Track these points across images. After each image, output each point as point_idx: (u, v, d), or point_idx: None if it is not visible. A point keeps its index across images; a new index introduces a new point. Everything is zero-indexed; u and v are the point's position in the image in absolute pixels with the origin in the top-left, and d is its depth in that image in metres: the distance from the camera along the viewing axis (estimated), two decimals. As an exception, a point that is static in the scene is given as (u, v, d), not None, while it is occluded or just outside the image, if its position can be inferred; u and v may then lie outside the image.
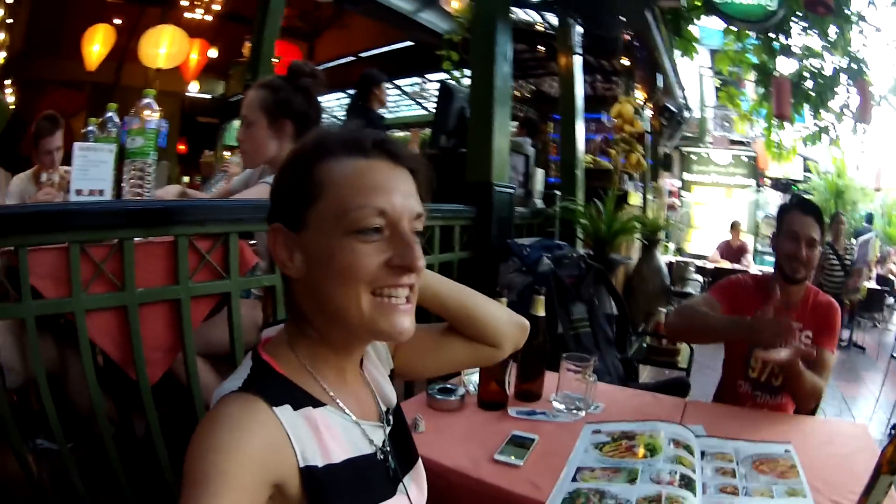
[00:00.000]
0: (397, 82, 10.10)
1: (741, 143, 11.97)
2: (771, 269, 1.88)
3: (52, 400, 1.19)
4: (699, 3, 4.82)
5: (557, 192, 4.19)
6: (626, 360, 3.31)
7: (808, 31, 4.95)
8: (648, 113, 6.85)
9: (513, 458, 1.14)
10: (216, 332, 1.54)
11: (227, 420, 0.57)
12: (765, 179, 13.13)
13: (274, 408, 0.60)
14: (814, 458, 1.27)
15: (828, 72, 5.14)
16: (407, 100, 10.69)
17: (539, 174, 4.42)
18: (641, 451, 1.15)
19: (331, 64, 8.71)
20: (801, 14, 4.67)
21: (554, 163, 6.48)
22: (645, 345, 4.23)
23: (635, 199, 6.14)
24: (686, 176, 12.23)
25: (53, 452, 1.23)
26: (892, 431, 0.96)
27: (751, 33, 5.05)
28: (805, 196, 13.95)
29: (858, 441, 1.43)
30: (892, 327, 7.40)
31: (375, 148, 0.68)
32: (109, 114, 1.44)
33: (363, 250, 0.63)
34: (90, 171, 1.27)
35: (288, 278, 0.69)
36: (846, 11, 4.69)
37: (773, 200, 15.01)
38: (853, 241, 6.68)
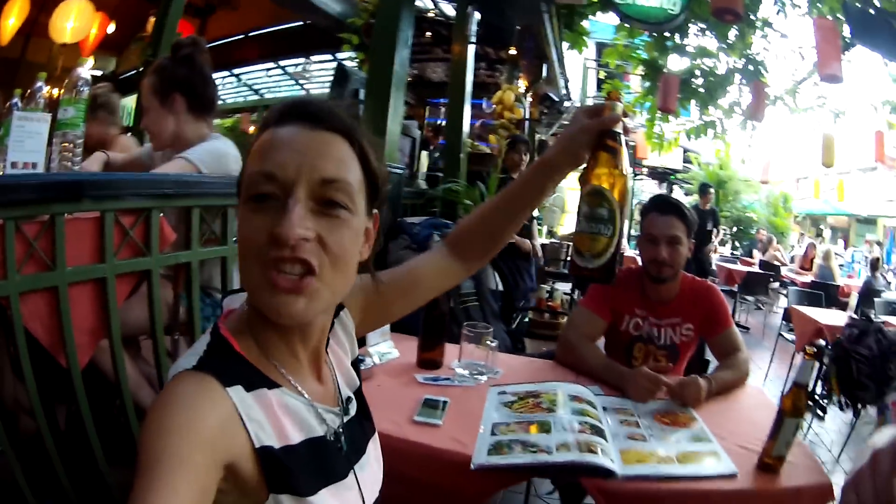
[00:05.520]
0: (282, 63, 10.12)
1: (618, 132, 12.57)
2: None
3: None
4: (596, 0, 4.73)
5: (440, 174, 4.34)
6: (513, 332, 3.61)
7: (706, 32, 5.02)
8: (529, 101, 7.06)
9: (431, 418, 1.22)
10: (131, 314, 1.51)
11: (179, 400, 0.55)
12: (642, 168, 13.99)
13: (227, 388, 0.58)
14: (713, 413, 1.36)
15: (721, 71, 5.26)
16: (288, 79, 10.60)
17: (424, 156, 4.53)
18: (548, 406, 1.29)
19: (220, 42, 8.27)
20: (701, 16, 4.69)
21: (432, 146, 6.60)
22: (527, 319, 4.61)
23: (512, 183, 6.46)
24: (561, 162, 12.83)
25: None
26: (793, 385, 1.13)
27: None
28: (684, 184, 15.02)
29: (755, 399, 1.54)
30: (777, 310, 7.45)
31: (287, 114, 0.65)
32: (39, 83, 1.31)
33: (253, 220, 0.61)
34: (26, 143, 1.17)
35: None
36: (752, 17, 4.73)
37: (650, 188, 16.29)
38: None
